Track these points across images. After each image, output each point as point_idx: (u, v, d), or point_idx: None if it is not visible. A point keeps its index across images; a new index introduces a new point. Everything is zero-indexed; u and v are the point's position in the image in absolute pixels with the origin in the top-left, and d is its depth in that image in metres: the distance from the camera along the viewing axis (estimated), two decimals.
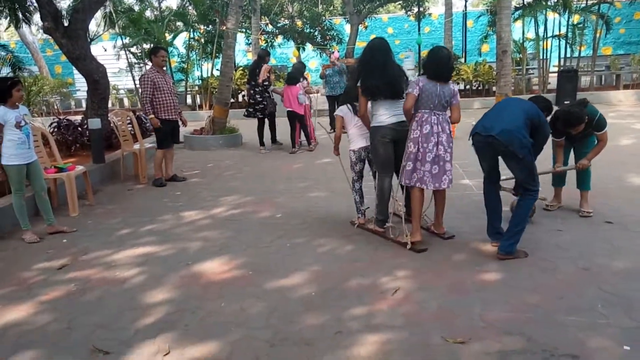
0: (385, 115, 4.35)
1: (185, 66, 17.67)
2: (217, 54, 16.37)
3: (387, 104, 4.35)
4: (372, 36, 23.12)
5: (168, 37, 17.42)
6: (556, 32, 16.01)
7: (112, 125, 7.45)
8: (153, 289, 3.69)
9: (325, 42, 21.14)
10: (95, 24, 16.48)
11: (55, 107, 17.72)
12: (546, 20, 15.55)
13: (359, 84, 4.44)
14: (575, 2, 16.07)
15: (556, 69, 16.08)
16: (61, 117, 8.81)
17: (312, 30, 21.40)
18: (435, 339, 2.86)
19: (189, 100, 18.07)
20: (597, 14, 15.46)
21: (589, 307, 3.12)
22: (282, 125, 10.15)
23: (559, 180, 5.14)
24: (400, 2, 22.00)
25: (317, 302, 3.40)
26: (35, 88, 14.39)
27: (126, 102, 18.82)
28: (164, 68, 7.09)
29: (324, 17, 22.01)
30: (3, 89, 4.63)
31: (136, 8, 17.62)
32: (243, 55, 22.80)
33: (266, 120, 9.55)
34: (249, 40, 20.49)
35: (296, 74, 9.48)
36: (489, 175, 4.20)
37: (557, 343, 2.75)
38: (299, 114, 9.08)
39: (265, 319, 3.19)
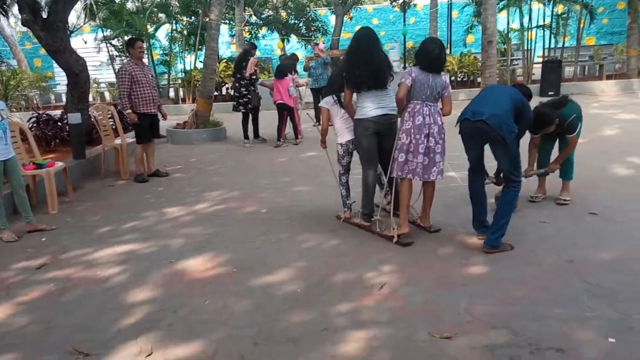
0: (369, 107, 4.30)
1: (168, 59, 17.44)
2: (200, 46, 16.19)
3: (372, 96, 4.30)
4: (358, 27, 22.85)
5: (150, 29, 17.18)
6: (540, 23, 16.07)
7: (92, 119, 7.32)
8: (135, 287, 3.62)
9: (310, 34, 21.01)
10: (75, 16, 16.20)
11: (35, 101, 17.40)
12: (530, 10, 15.60)
13: (344, 74, 4.39)
14: None
15: (540, 59, 16.15)
16: (40, 112, 8.62)
17: (296, 22, 21.25)
18: (421, 335, 2.84)
19: (171, 94, 17.85)
20: (581, 4, 15.55)
21: (574, 299, 3.12)
22: (267, 119, 10.09)
23: (540, 166, 5.15)
24: None
25: (303, 298, 3.36)
26: (13, 82, 14.08)
27: (107, 96, 18.55)
28: (143, 60, 6.96)
29: (308, 8, 21.86)
30: None
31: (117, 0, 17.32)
32: (227, 47, 22.56)
33: (250, 115, 9.45)
34: (232, 31, 20.29)
35: (286, 67, 9.42)
36: (474, 166, 4.17)
37: (542, 336, 2.75)
38: (290, 106, 9.03)
39: (250, 317, 3.14)
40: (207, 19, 10.80)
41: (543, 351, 2.62)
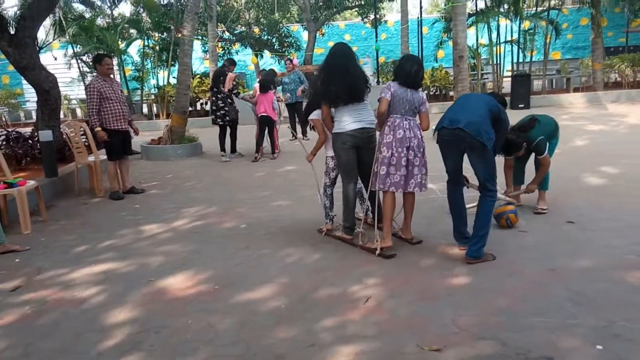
0: (347, 121, 4.32)
1: (140, 74, 17.27)
2: (173, 62, 16.10)
3: (349, 110, 4.32)
4: (330, 43, 23.32)
5: (121, 45, 17.02)
6: (508, 38, 16.49)
7: (64, 137, 7.16)
8: (114, 308, 3.51)
9: (283, 49, 21.11)
10: (44, 32, 15.93)
11: (4, 119, 17.01)
12: (498, 26, 16.00)
13: (320, 90, 4.40)
14: (525, 9, 16.61)
15: (509, 73, 16.54)
16: (10, 130, 8.41)
17: (269, 37, 21.34)
18: (410, 348, 2.82)
19: (145, 110, 17.67)
20: (546, 20, 16.02)
21: (558, 307, 3.15)
22: (242, 134, 10.05)
23: (516, 180, 5.26)
24: (357, 9, 22.23)
25: (287, 314, 3.31)
26: None
27: (79, 112, 18.26)
28: (111, 76, 6.85)
29: (281, 24, 21.98)
30: None
31: (87, 15, 17.12)
32: (200, 62, 22.49)
33: (228, 129, 9.42)
34: (205, 47, 20.24)
35: (269, 81, 9.48)
36: (452, 177, 4.20)
37: (530, 346, 2.76)
38: (273, 119, 9.06)
39: (235, 335, 3.08)
40: (180, 35, 10.75)
41: None
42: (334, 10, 21.45)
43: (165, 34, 17.28)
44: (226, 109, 9.12)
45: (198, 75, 17.09)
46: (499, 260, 3.94)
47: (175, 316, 3.35)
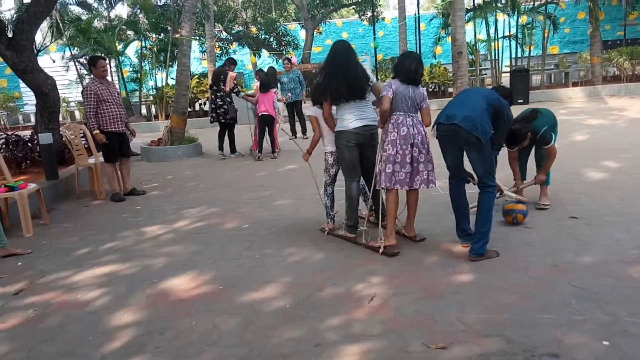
0: (350, 119, 4.31)
1: (138, 76, 17.25)
2: (170, 63, 16.08)
3: (351, 108, 4.31)
4: (328, 41, 23.30)
5: (119, 46, 16.99)
6: (506, 33, 16.46)
7: (64, 139, 7.14)
8: (118, 310, 3.51)
9: (281, 48, 21.08)
10: (41, 35, 15.88)
11: (2, 122, 16.98)
12: (496, 21, 15.97)
13: (322, 87, 4.39)
14: (523, 3, 16.58)
15: (508, 68, 16.52)
16: (9, 133, 8.39)
17: (267, 37, 21.31)
18: (416, 346, 2.81)
19: (143, 111, 17.64)
20: (544, 14, 15.99)
21: (563, 304, 3.14)
22: (241, 134, 10.03)
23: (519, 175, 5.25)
24: (354, 7, 22.21)
25: (292, 314, 3.30)
26: None
27: (77, 115, 18.22)
28: (107, 78, 6.83)
29: (278, 23, 21.95)
30: None
31: (84, 17, 17.08)
32: (198, 63, 22.46)
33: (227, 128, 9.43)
34: (203, 47, 20.22)
35: (270, 80, 9.48)
36: (453, 173, 4.19)
37: (536, 342, 2.75)
38: (274, 118, 9.06)
39: (240, 336, 3.07)
40: (178, 35, 10.74)
41: (538, 357, 2.62)
42: (331, 8, 21.46)
43: (162, 34, 17.24)
44: (225, 107, 9.13)
45: (196, 76, 17.05)
46: (503, 256, 3.93)
47: (179, 317, 3.34)
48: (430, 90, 16.89)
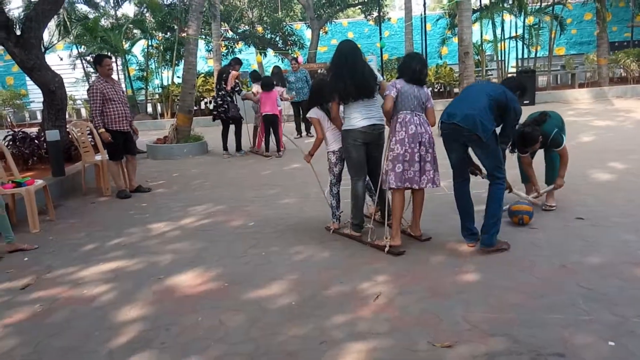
0: (357, 118, 4.31)
1: (145, 74, 17.30)
2: (177, 61, 16.12)
3: (359, 107, 4.31)
4: (334, 41, 23.29)
5: (125, 45, 17.05)
6: (513, 34, 16.42)
7: (70, 136, 7.17)
8: (124, 306, 3.52)
9: (287, 48, 21.10)
10: (48, 33, 15.97)
11: (9, 119, 17.06)
12: (503, 22, 15.93)
13: (330, 87, 4.40)
14: (530, 4, 16.54)
15: (514, 69, 16.47)
16: (16, 130, 8.43)
17: (273, 36, 21.33)
18: (421, 344, 2.81)
19: (149, 109, 17.70)
20: (551, 15, 15.94)
21: (570, 304, 3.13)
22: (245, 133, 10.05)
23: (524, 178, 5.23)
24: (360, 7, 22.19)
25: (298, 311, 3.30)
26: None
27: (83, 112, 18.30)
28: (112, 76, 6.85)
29: (284, 23, 21.96)
30: None
31: (91, 16, 17.15)
32: (204, 62, 22.50)
33: (232, 127, 9.46)
34: (209, 46, 20.26)
35: (272, 79, 9.51)
36: (457, 171, 4.19)
37: (542, 342, 2.74)
38: (278, 118, 9.08)
39: (246, 332, 3.07)
40: (184, 34, 10.76)
41: (544, 357, 2.61)
42: (337, 8, 21.44)
43: (169, 33, 17.30)
44: (226, 106, 9.17)
45: (202, 75, 17.10)
46: (510, 256, 3.92)
47: (185, 314, 3.35)
48: (436, 90, 16.88)
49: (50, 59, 11.64)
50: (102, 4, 17.85)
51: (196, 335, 3.07)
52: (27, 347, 3.06)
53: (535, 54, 16.58)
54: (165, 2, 17.19)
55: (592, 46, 20.59)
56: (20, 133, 8.07)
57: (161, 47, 17.36)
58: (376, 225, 4.53)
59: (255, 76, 10.38)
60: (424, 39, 16.79)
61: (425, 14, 17.80)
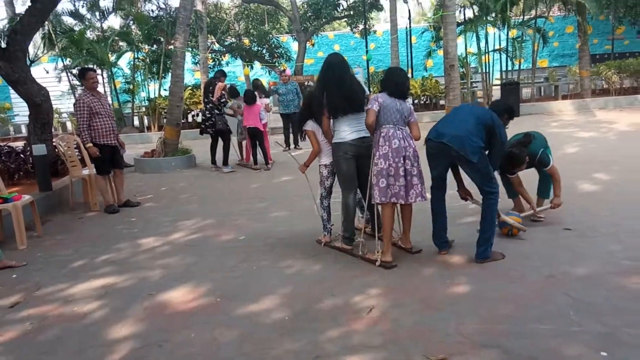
0: (347, 131, 4.35)
1: (131, 87, 17.23)
2: (163, 74, 16.09)
3: (348, 120, 4.36)
4: (320, 53, 23.44)
5: (112, 57, 16.98)
6: (497, 47, 16.66)
7: (57, 151, 7.11)
8: (116, 322, 3.49)
9: (274, 60, 21.17)
10: (33, 46, 15.85)
11: None
12: (487, 35, 16.16)
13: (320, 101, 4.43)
14: (513, 17, 16.81)
15: (498, 81, 16.70)
16: (1, 144, 8.34)
17: (259, 48, 21.40)
18: (416, 357, 2.83)
19: (136, 122, 17.61)
20: (533, 28, 16.21)
21: (560, 314, 3.17)
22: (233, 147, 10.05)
23: (511, 193, 5.26)
24: (346, 19, 22.38)
25: (291, 326, 3.30)
26: None
27: (69, 125, 18.15)
28: (98, 89, 6.82)
29: (271, 35, 22.06)
30: None
31: (77, 28, 17.06)
32: (190, 74, 22.48)
33: (221, 141, 9.43)
34: (195, 59, 20.27)
35: (253, 92, 9.48)
36: (436, 184, 4.31)
37: (534, 353, 2.77)
38: (262, 131, 9.06)
39: (238, 348, 3.07)
40: (171, 47, 10.76)
41: None
42: (323, 20, 21.58)
43: (155, 46, 17.26)
44: (213, 119, 9.16)
45: (189, 87, 17.07)
46: (500, 267, 3.97)
47: (177, 330, 3.34)
48: (422, 102, 17.03)
49: (36, 72, 11.56)
50: (88, 16, 17.77)
51: (189, 352, 3.06)
52: None
53: (519, 66, 16.83)
54: (151, 15, 17.16)
55: (574, 58, 20.98)
56: (5, 147, 7.98)
57: (147, 60, 17.31)
58: (367, 238, 4.56)
59: (233, 92, 10.16)
60: (409, 51, 16.97)
61: (410, 27, 18.01)
